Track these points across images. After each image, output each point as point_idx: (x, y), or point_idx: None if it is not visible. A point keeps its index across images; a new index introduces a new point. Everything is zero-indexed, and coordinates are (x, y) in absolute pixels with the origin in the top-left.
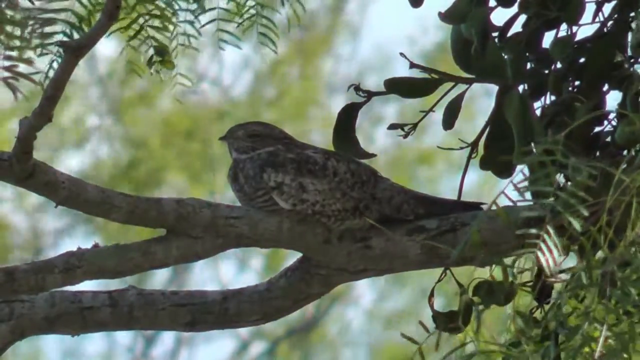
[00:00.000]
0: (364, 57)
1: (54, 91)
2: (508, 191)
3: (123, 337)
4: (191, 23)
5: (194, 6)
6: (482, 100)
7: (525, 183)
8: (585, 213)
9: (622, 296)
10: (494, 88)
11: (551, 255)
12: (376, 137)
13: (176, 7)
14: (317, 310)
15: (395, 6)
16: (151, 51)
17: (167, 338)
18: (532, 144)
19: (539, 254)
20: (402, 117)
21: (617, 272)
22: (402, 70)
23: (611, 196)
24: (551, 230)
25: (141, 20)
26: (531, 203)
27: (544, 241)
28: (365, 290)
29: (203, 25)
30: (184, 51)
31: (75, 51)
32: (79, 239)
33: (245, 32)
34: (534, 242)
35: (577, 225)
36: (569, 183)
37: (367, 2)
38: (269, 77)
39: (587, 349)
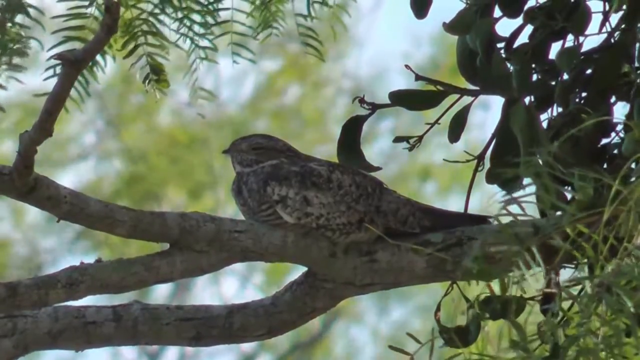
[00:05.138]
0: (360, 70)
1: (53, 105)
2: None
3: (127, 354)
4: (205, 36)
5: (208, 19)
6: (478, 111)
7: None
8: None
9: (617, 307)
10: (491, 99)
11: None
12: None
13: (196, 19)
14: (323, 325)
15: (389, 20)
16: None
17: (171, 354)
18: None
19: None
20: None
21: (614, 282)
22: (398, 84)
23: (609, 207)
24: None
25: (138, 39)
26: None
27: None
28: (369, 304)
29: (217, 37)
30: (193, 64)
31: (73, 65)
32: (79, 257)
33: (264, 42)
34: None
35: (559, 242)
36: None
37: (361, 16)
38: (267, 90)
39: None
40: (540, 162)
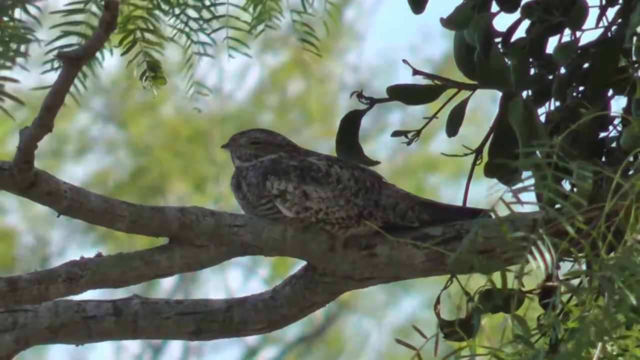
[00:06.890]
0: (368, 64)
1: (54, 101)
2: (507, 198)
3: (131, 346)
4: (203, 30)
5: (205, 14)
6: (487, 105)
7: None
8: (580, 219)
9: (619, 300)
10: (497, 94)
11: (542, 257)
12: (380, 144)
13: (191, 14)
14: (326, 317)
15: (399, 14)
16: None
17: (175, 347)
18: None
19: (529, 256)
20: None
21: (616, 276)
22: (406, 78)
23: (610, 201)
24: (543, 233)
25: (136, 36)
26: (528, 210)
27: (535, 244)
28: (374, 297)
29: (214, 31)
30: (190, 59)
31: (73, 62)
32: (86, 248)
33: (257, 38)
34: (525, 245)
35: (571, 231)
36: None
37: (369, 10)
38: (270, 84)
39: (584, 354)
40: (539, 155)
